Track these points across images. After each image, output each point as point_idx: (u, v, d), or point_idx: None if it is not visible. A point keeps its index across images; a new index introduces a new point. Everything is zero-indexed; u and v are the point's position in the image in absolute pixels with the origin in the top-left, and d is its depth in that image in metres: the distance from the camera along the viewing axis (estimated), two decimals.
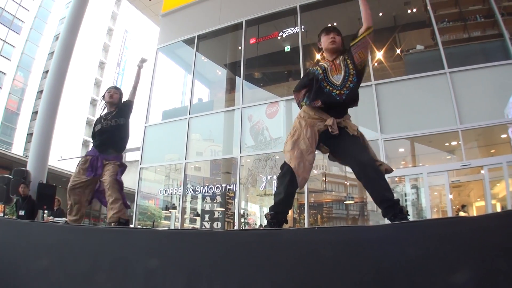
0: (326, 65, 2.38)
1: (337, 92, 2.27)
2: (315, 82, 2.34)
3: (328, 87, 2.29)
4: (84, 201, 3.53)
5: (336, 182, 10.16)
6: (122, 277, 2.36)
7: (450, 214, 6.53)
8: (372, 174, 2.11)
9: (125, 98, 3.79)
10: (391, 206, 2.08)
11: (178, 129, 10.23)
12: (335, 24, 9.90)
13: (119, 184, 3.38)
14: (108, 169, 3.37)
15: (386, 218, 2.11)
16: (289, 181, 2.19)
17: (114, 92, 3.66)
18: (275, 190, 2.35)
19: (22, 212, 6.02)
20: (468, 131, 6.87)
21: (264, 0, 10.06)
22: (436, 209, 7.72)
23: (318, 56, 2.64)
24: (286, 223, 2.35)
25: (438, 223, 1.77)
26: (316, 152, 2.34)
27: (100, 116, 3.65)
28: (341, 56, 2.41)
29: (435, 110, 7.19)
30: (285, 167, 2.25)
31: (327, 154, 2.48)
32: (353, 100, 2.33)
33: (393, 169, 2.23)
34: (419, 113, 7.31)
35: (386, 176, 2.17)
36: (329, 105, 2.28)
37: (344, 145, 2.27)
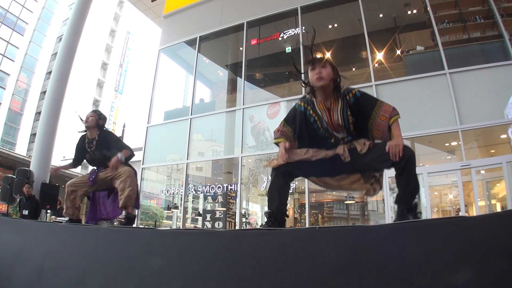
0: (324, 119, 2.14)
1: (332, 140, 2.18)
2: (311, 129, 2.17)
3: (332, 140, 2.18)
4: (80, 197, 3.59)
5: None
6: (124, 277, 2.39)
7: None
8: (402, 166, 2.04)
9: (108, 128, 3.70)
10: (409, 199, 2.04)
11: (180, 129, 10.28)
12: (335, 25, 9.95)
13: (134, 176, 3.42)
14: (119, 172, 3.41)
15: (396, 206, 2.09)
16: (275, 177, 2.20)
17: (90, 115, 3.55)
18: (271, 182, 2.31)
19: (25, 212, 6.08)
20: (468, 131, 6.88)
21: (265, 2, 10.09)
22: (436, 209, 7.72)
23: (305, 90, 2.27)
24: (287, 216, 2.30)
25: (438, 223, 1.79)
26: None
27: (84, 141, 3.57)
28: (339, 105, 2.11)
29: (435, 110, 7.21)
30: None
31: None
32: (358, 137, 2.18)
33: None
34: (419, 114, 7.32)
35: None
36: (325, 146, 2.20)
37: (362, 157, 2.14)
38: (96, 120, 3.51)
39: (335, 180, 2.33)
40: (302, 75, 2.26)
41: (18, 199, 7.02)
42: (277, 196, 2.23)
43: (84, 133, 3.61)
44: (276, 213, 2.24)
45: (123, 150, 3.44)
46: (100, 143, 3.49)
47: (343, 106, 2.09)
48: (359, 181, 2.31)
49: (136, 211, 3.67)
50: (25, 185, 6.35)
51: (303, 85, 2.21)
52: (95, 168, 3.59)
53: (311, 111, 2.15)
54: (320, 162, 2.15)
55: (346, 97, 2.11)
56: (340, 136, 2.15)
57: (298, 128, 2.19)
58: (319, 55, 2.13)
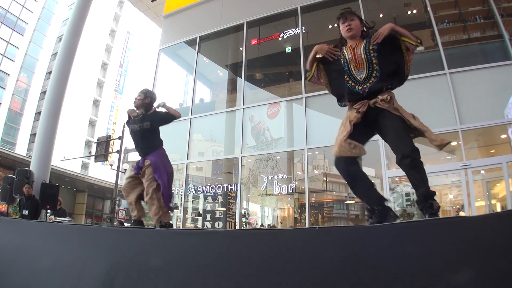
0: (348, 57, 2.31)
1: (360, 88, 2.27)
2: (338, 75, 2.35)
3: (350, 82, 2.29)
4: (134, 201, 3.60)
5: (337, 182, 10.15)
6: (125, 276, 2.40)
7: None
8: (407, 167, 2.09)
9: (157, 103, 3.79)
10: (422, 200, 2.05)
11: (180, 129, 10.28)
12: (335, 25, 9.93)
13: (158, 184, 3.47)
14: (145, 173, 3.51)
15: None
16: (337, 162, 2.25)
17: (138, 95, 3.70)
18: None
19: (25, 212, 6.07)
20: (468, 131, 6.88)
21: (265, 2, 10.10)
22: None
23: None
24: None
25: (438, 223, 1.79)
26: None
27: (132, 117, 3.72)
28: (363, 43, 2.28)
29: (435, 110, 7.21)
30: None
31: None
32: (380, 89, 2.25)
33: (448, 141, 2.18)
34: (419, 114, 7.16)
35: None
36: (356, 100, 2.29)
37: (382, 130, 2.25)
38: (143, 101, 3.63)
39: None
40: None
41: (18, 199, 7.02)
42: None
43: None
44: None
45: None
46: (145, 117, 3.60)
47: (366, 43, 2.27)
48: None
49: (170, 214, 3.76)
50: (25, 185, 6.35)
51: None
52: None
53: (342, 58, 2.35)
54: (356, 126, 2.23)
55: (370, 39, 2.29)
56: (364, 75, 2.25)
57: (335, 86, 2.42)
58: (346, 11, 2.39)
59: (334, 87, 2.44)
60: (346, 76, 2.30)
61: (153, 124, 3.62)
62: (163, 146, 3.77)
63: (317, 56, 2.39)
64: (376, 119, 2.24)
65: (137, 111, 3.71)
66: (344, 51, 2.34)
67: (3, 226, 3.78)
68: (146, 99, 3.65)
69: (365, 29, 2.37)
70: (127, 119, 3.78)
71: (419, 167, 2.09)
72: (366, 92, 2.24)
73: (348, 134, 2.20)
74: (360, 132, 2.25)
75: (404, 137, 2.15)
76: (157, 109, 3.69)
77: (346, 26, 2.33)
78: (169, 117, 3.67)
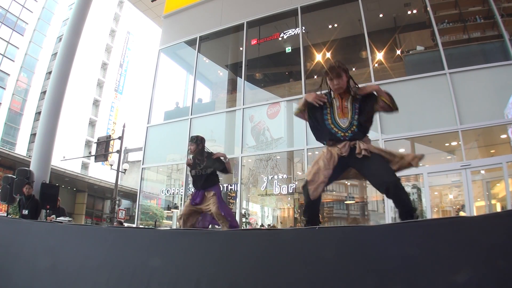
0: (336, 105, 2.56)
1: (342, 134, 2.49)
2: (321, 119, 2.59)
3: (334, 128, 2.53)
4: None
5: (336, 182, 10.15)
6: (124, 276, 2.40)
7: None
8: (395, 195, 2.31)
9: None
10: (406, 217, 2.27)
11: (180, 129, 10.29)
12: (335, 25, 9.95)
13: (223, 209, 4.04)
14: (211, 201, 4.05)
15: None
16: (306, 192, 2.47)
17: (190, 145, 4.21)
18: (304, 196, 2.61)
19: (25, 212, 6.07)
20: (468, 131, 6.88)
21: (265, 2, 10.10)
22: (436, 209, 7.73)
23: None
24: (319, 223, 2.58)
25: (438, 223, 1.80)
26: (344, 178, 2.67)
27: (194, 161, 4.26)
28: (350, 97, 2.54)
29: (435, 110, 7.21)
30: (304, 182, 2.52)
31: (360, 178, 2.67)
32: (359, 137, 2.48)
33: (421, 156, 2.41)
34: (419, 114, 7.32)
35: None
36: (338, 143, 2.51)
37: (363, 166, 2.46)
38: (196, 148, 4.17)
39: (349, 174, 2.65)
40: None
41: (18, 199, 7.02)
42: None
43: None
44: (308, 219, 2.56)
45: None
46: (207, 163, 4.15)
47: (353, 97, 2.53)
48: None
49: None
50: (26, 185, 6.35)
51: (326, 91, 2.64)
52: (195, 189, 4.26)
53: (327, 104, 2.58)
54: (335, 167, 2.47)
55: (356, 94, 2.54)
56: (346, 124, 2.49)
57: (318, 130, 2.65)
58: (334, 66, 2.54)
59: (314, 128, 2.67)
60: (330, 122, 2.55)
61: (214, 170, 4.18)
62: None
63: (308, 100, 2.60)
64: (354, 157, 2.43)
65: (191, 156, 4.34)
66: (334, 99, 2.59)
67: (4, 226, 3.79)
68: (199, 146, 4.18)
69: (351, 83, 2.56)
70: (189, 167, 4.34)
71: (404, 191, 2.33)
72: (347, 139, 2.47)
73: (326, 178, 2.44)
74: (335, 171, 2.49)
75: (387, 168, 2.36)
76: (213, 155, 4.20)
77: (335, 84, 2.51)
78: (224, 170, 4.17)
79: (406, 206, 2.30)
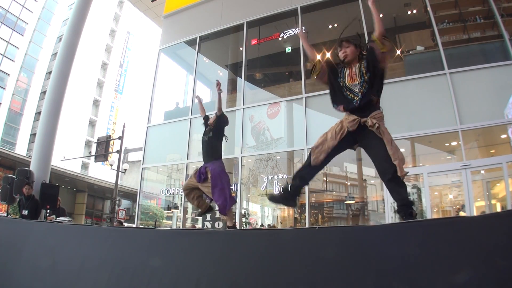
0: (346, 72, 2.72)
1: (355, 98, 2.61)
2: (337, 85, 2.74)
3: (347, 92, 2.67)
4: (191, 199, 4.30)
5: (336, 182, 10.16)
6: (124, 276, 2.40)
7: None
8: (393, 186, 2.40)
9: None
10: (405, 209, 2.35)
11: (180, 129, 10.29)
12: (335, 25, 9.96)
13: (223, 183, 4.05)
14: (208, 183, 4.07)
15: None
16: (308, 157, 2.66)
17: (212, 118, 4.52)
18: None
19: (25, 212, 6.08)
20: (468, 131, 6.88)
21: (265, 2, 10.10)
22: (436, 209, 7.73)
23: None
24: (298, 195, 2.78)
25: (438, 223, 1.80)
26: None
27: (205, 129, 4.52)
28: (358, 64, 2.69)
29: (435, 110, 7.21)
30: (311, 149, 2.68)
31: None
32: (369, 103, 2.58)
33: (404, 171, 2.41)
34: (419, 114, 7.32)
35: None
36: (350, 109, 2.62)
37: (369, 146, 2.59)
38: (212, 119, 4.44)
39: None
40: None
41: (17, 199, 7.02)
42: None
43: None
44: (295, 181, 2.76)
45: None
46: (212, 129, 4.36)
47: (360, 64, 2.68)
48: None
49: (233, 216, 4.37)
50: (25, 186, 6.35)
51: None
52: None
53: (340, 72, 2.77)
54: (342, 140, 2.60)
55: (362, 54, 2.73)
56: (357, 88, 2.61)
57: (328, 68, 2.82)
58: (343, 39, 2.81)
59: (332, 91, 2.80)
60: (343, 86, 2.70)
61: (215, 141, 4.31)
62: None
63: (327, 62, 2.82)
64: (362, 134, 2.56)
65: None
66: (344, 69, 2.76)
67: (4, 226, 3.79)
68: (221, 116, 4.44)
69: (362, 52, 2.75)
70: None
71: (402, 183, 2.40)
72: (358, 104, 2.57)
73: (329, 149, 2.58)
74: (341, 144, 2.62)
75: (388, 159, 2.41)
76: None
77: (343, 53, 2.75)
78: (224, 122, 4.43)
79: (403, 199, 2.37)
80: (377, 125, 2.48)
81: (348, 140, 2.61)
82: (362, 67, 2.65)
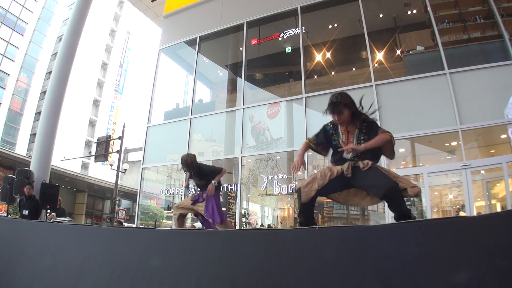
0: (341, 133, 2.68)
1: (349, 156, 2.61)
2: (331, 145, 2.73)
3: (340, 155, 2.65)
4: (177, 218, 4.57)
5: None
6: (124, 276, 2.40)
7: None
8: (393, 199, 2.38)
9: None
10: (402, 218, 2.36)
11: (180, 129, 10.28)
12: (335, 25, 9.95)
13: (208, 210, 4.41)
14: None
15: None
16: (299, 195, 2.58)
17: (186, 170, 4.63)
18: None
19: (26, 212, 6.08)
20: (468, 131, 6.88)
21: (265, 2, 10.10)
22: (436, 209, 7.73)
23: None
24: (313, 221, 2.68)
25: (438, 223, 1.80)
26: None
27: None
28: (356, 131, 2.61)
29: (435, 110, 7.21)
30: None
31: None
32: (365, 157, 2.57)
33: (418, 190, 2.41)
34: (419, 114, 7.33)
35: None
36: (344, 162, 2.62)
37: (361, 179, 2.52)
38: (192, 162, 4.47)
39: (345, 197, 2.74)
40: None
41: (18, 199, 7.02)
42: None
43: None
44: (302, 222, 2.65)
45: (216, 176, 4.45)
46: (201, 174, 4.51)
47: (359, 132, 2.60)
48: (366, 198, 2.68)
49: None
50: (26, 186, 6.35)
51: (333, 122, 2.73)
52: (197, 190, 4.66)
53: (333, 132, 2.72)
54: (331, 181, 2.55)
55: (363, 124, 2.61)
56: (348, 157, 2.59)
57: (323, 139, 2.79)
58: (335, 102, 2.57)
59: (324, 141, 2.80)
60: (337, 144, 2.67)
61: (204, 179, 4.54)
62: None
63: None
64: (356, 176, 2.52)
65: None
66: (339, 130, 2.69)
67: (5, 226, 3.79)
68: (194, 167, 4.52)
69: (356, 112, 2.59)
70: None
71: (398, 196, 2.37)
72: (353, 158, 2.58)
73: (319, 187, 2.53)
74: (332, 184, 2.57)
75: (383, 176, 2.43)
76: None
77: (336, 119, 2.60)
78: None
79: (402, 210, 2.35)
80: (369, 164, 2.48)
81: (340, 182, 2.57)
82: (361, 138, 2.58)
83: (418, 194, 2.38)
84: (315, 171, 2.71)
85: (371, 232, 1.83)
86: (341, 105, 2.52)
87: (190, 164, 4.45)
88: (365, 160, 2.53)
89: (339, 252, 1.78)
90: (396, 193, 2.36)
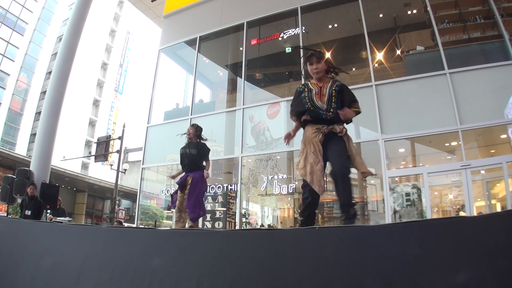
0: (312, 88, 2.74)
1: (324, 112, 2.66)
2: (301, 101, 2.74)
3: (311, 108, 2.68)
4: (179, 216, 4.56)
5: None
6: (125, 276, 2.40)
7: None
8: (337, 180, 2.51)
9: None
10: (345, 208, 2.50)
11: (180, 129, 10.24)
12: (335, 25, 9.96)
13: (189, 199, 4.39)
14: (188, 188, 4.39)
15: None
16: (309, 191, 2.62)
17: (190, 128, 4.80)
18: (302, 195, 2.74)
19: (28, 212, 6.09)
20: (468, 131, 6.88)
21: (265, 2, 10.10)
22: (436, 209, 7.73)
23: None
24: (314, 224, 2.73)
25: (438, 223, 1.80)
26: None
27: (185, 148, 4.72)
28: (329, 84, 2.72)
29: (435, 110, 7.21)
30: (303, 182, 2.65)
31: None
32: (337, 119, 2.64)
33: (371, 173, 2.60)
34: (419, 114, 7.33)
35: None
36: (318, 120, 2.67)
37: (329, 149, 2.62)
38: (195, 132, 4.70)
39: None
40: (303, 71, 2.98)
41: (20, 199, 7.03)
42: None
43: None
44: (307, 214, 2.72)
45: (207, 163, 4.57)
46: (196, 146, 4.61)
47: (331, 85, 2.71)
48: None
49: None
50: (30, 186, 6.38)
51: (303, 76, 2.88)
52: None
53: (305, 89, 2.77)
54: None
55: (334, 83, 2.74)
56: (324, 107, 2.65)
57: (298, 106, 2.79)
58: (314, 52, 2.78)
59: (292, 105, 2.86)
60: (307, 101, 2.70)
61: (199, 155, 4.61)
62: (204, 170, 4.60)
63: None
64: (329, 141, 2.62)
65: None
66: (310, 85, 2.77)
67: (6, 226, 3.79)
68: (197, 132, 4.76)
69: (331, 70, 2.79)
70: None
71: (347, 180, 2.51)
72: (328, 119, 2.64)
73: (321, 172, 2.57)
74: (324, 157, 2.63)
75: (342, 156, 2.54)
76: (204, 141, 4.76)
77: (314, 68, 2.74)
78: (205, 157, 4.64)
79: (346, 199, 2.49)
80: (344, 130, 2.61)
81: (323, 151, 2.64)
82: (332, 90, 2.67)
83: (365, 175, 2.61)
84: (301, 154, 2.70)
85: (371, 232, 1.83)
86: (321, 54, 2.75)
87: (199, 133, 4.65)
88: (340, 123, 2.64)
89: (339, 252, 1.78)
90: (343, 177, 2.48)
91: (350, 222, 2.44)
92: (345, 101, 2.67)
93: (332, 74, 2.81)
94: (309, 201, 2.66)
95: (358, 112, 2.70)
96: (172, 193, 4.78)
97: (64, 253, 2.92)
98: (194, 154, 4.53)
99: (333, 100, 2.66)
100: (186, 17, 11.67)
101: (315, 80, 2.79)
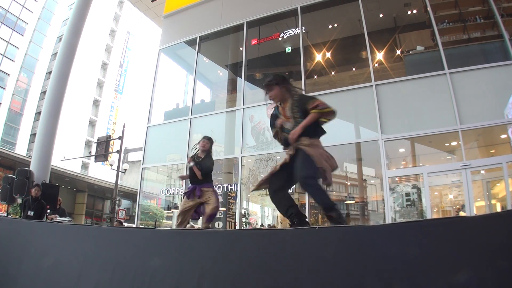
0: (280, 115, 2.82)
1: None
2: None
3: (285, 134, 2.75)
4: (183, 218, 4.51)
5: (336, 182, 10.14)
6: (125, 276, 2.40)
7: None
8: (300, 188, 2.65)
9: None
10: (326, 212, 2.52)
11: (180, 129, 10.28)
12: (335, 25, 9.95)
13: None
14: (210, 195, 4.37)
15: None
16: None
17: (204, 142, 4.55)
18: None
19: (31, 213, 6.10)
20: (468, 131, 6.88)
21: (265, 2, 10.10)
22: (436, 209, 7.73)
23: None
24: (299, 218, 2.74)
25: (438, 223, 1.79)
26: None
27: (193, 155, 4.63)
28: (289, 103, 2.78)
29: (435, 110, 7.21)
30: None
31: None
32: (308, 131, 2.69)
33: (328, 180, 2.59)
34: (419, 114, 7.32)
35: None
36: (286, 145, 2.78)
37: (296, 161, 2.65)
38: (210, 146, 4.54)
39: None
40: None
41: (24, 200, 7.03)
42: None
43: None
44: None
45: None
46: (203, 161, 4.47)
47: (292, 103, 2.77)
48: None
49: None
50: (35, 187, 6.39)
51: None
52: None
53: (277, 115, 2.88)
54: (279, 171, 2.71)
55: (294, 98, 2.80)
56: (290, 127, 2.68)
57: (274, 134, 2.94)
58: (266, 80, 2.88)
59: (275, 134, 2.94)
60: (280, 131, 2.80)
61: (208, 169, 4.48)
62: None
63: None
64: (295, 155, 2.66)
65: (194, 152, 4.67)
66: (279, 109, 2.86)
67: (6, 226, 3.79)
68: (211, 145, 4.58)
69: (286, 89, 2.83)
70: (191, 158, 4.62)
71: (309, 188, 2.54)
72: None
73: (270, 175, 2.73)
74: (285, 169, 2.69)
75: (304, 165, 2.53)
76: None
77: (269, 97, 2.85)
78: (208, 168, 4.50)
79: (322, 204, 2.49)
80: (309, 143, 2.59)
81: (289, 165, 2.67)
82: (294, 111, 2.72)
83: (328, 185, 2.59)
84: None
85: (371, 232, 1.83)
86: (272, 82, 2.81)
87: (210, 146, 4.54)
88: (304, 136, 2.63)
89: (339, 252, 1.78)
90: (306, 187, 2.51)
91: (337, 224, 2.45)
92: (306, 110, 2.66)
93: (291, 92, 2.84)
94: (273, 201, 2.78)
95: (322, 113, 2.65)
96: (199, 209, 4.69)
97: (64, 253, 2.92)
98: (205, 167, 4.46)
99: (297, 116, 2.69)
100: (186, 17, 11.67)
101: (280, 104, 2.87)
